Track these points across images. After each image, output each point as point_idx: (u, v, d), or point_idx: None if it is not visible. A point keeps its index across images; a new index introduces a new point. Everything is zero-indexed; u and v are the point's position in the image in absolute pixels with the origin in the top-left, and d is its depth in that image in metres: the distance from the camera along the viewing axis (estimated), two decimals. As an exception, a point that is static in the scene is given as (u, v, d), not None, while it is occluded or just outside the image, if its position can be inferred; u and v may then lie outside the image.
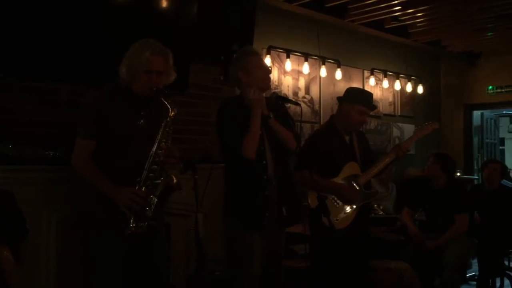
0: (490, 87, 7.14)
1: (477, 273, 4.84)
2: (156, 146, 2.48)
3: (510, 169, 7.51)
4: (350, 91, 3.52)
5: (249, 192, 2.79)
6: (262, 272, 2.82)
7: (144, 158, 2.48)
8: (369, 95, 3.52)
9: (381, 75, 6.37)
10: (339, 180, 3.33)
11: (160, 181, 2.49)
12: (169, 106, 2.51)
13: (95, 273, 2.55)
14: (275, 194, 2.81)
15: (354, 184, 3.33)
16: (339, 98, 3.52)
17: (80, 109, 2.69)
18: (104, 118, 2.48)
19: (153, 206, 2.45)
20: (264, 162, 2.80)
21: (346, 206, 3.30)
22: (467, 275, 5.28)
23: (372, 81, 6.23)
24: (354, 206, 3.31)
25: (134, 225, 2.41)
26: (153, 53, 2.48)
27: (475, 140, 7.54)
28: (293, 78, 5.39)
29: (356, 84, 5.87)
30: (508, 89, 7.01)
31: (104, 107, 2.50)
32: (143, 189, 2.44)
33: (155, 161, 2.47)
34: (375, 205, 4.97)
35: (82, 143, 2.52)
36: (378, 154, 3.54)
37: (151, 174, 2.47)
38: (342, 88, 5.37)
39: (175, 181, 2.52)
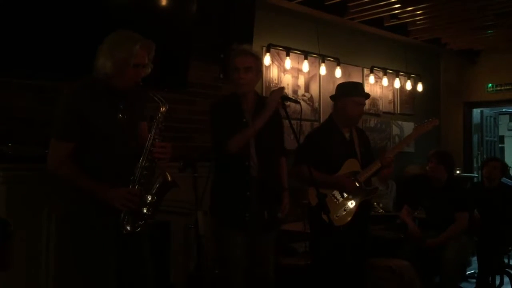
0: (490, 85, 7.13)
1: (476, 271, 4.84)
2: (149, 143, 2.42)
3: (510, 167, 7.51)
4: (341, 86, 3.54)
5: (230, 192, 2.82)
6: (250, 273, 2.83)
7: (128, 154, 2.41)
8: (359, 85, 3.60)
9: (380, 73, 6.37)
10: (338, 177, 3.32)
11: (155, 179, 2.47)
12: (160, 102, 2.45)
13: (89, 275, 2.40)
14: (259, 195, 2.81)
15: (354, 181, 3.32)
16: (332, 97, 3.54)
17: (55, 107, 2.42)
18: (83, 116, 2.32)
19: (151, 205, 2.42)
20: (247, 163, 2.80)
21: (346, 203, 3.30)
22: (467, 272, 5.29)
23: (371, 79, 6.22)
24: (354, 203, 3.30)
25: (130, 224, 2.37)
26: (142, 46, 2.34)
27: (475, 138, 7.53)
28: (292, 76, 5.38)
29: (355, 82, 5.87)
30: (507, 87, 7.00)
31: (83, 104, 2.33)
32: (137, 188, 2.39)
33: (148, 158, 2.41)
34: (375, 203, 4.97)
35: (60, 145, 2.34)
36: (378, 152, 3.52)
37: (145, 172, 2.41)
38: (341, 86, 5.38)
39: (169, 178, 2.49)
